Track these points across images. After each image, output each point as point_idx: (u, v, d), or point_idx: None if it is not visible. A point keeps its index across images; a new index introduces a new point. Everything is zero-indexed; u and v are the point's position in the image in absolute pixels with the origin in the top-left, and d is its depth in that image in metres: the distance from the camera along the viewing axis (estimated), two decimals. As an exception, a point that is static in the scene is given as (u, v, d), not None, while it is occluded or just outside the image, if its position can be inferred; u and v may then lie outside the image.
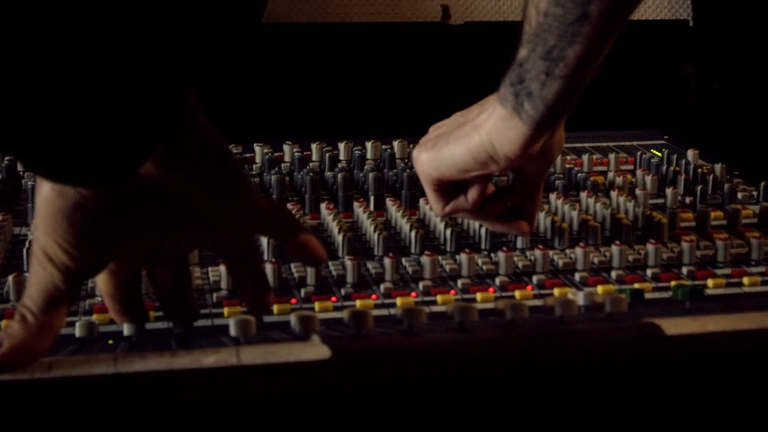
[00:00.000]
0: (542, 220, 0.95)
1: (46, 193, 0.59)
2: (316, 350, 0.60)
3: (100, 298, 0.78)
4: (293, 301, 0.80)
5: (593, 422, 0.61)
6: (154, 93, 0.55)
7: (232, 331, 0.64)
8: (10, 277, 0.78)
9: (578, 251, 0.87)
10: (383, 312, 0.78)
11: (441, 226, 0.93)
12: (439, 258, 0.87)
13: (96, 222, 0.59)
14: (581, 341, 0.64)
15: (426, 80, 1.50)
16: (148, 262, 0.68)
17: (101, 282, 0.68)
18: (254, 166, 1.12)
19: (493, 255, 0.89)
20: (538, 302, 0.79)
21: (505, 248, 0.87)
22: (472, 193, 0.85)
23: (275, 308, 0.77)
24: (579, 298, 0.69)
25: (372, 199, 1.01)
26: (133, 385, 0.57)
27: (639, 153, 1.17)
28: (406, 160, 1.12)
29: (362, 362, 0.60)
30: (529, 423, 0.61)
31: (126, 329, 0.70)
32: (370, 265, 0.86)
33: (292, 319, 0.65)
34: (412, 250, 0.91)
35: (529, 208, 0.88)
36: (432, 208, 0.88)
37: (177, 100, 0.58)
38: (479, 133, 0.79)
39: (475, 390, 0.60)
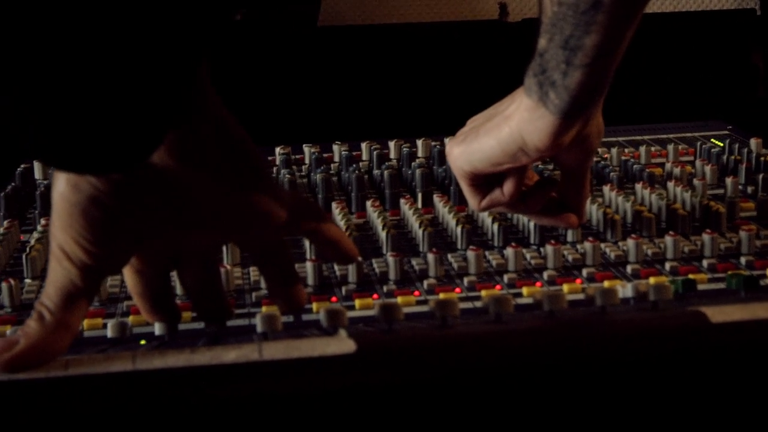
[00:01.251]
0: (594, 212, 0.92)
1: (61, 189, 0.58)
2: (341, 344, 0.57)
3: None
4: (334, 299, 0.78)
5: (635, 413, 0.58)
6: (166, 78, 0.53)
7: (259, 327, 0.62)
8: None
9: (630, 242, 0.84)
10: (424, 309, 0.76)
11: (489, 221, 0.90)
12: (485, 253, 0.84)
13: (112, 216, 0.58)
14: (622, 330, 0.61)
15: (484, 78, 1.48)
16: (175, 260, 0.66)
17: (129, 281, 0.66)
18: (303, 166, 1.10)
19: (542, 249, 0.86)
20: (581, 296, 0.76)
21: (553, 241, 0.84)
22: (508, 186, 0.82)
23: (314, 306, 0.75)
24: (622, 291, 0.66)
25: (419, 195, 0.99)
26: (152, 382, 0.55)
27: (699, 143, 1.13)
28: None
29: (389, 355, 0.58)
30: (568, 415, 0.58)
31: (158, 329, 0.69)
32: (414, 261, 0.84)
33: (321, 313, 0.63)
34: (459, 246, 0.88)
35: (577, 201, 0.86)
36: (468, 203, 0.86)
37: (190, 87, 0.56)
38: (509, 125, 0.77)
39: (509, 382, 0.57)
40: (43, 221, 0.92)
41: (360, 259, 0.74)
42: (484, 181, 0.83)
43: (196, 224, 0.62)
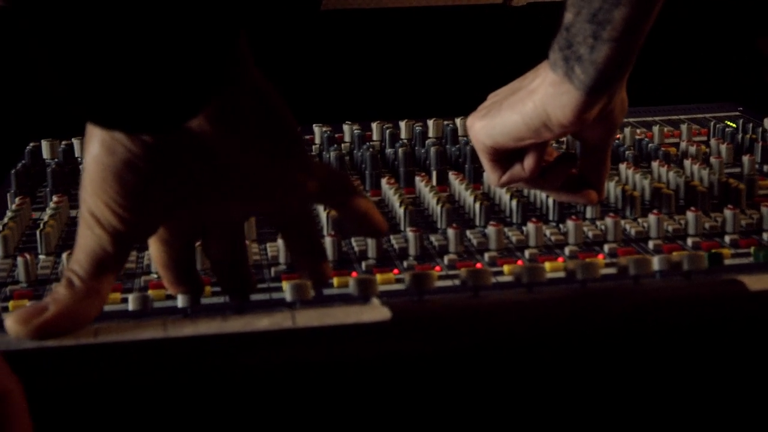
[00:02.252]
0: (612, 189, 0.91)
1: (95, 151, 0.57)
2: (376, 312, 0.56)
3: (156, 275, 0.75)
4: (354, 274, 0.77)
5: (670, 381, 0.57)
6: (215, 34, 0.52)
7: (288, 296, 0.61)
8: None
9: (651, 218, 0.83)
10: (447, 283, 0.75)
11: (507, 197, 0.89)
12: (505, 229, 0.83)
13: (145, 181, 0.57)
14: (657, 299, 0.60)
15: (490, 62, 1.47)
16: (202, 231, 0.65)
17: (154, 251, 0.65)
18: (313, 147, 1.09)
19: (561, 226, 0.85)
20: (612, 270, 0.75)
21: (574, 217, 0.83)
22: (529, 162, 0.81)
23: (335, 281, 0.74)
24: (655, 261, 0.65)
25: (434, 174, 0.98)
26: (184, 349, 0.54)
27: (713, 122, 1.12)
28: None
29: (425, 323, 0.57)
30: (602, 384, 0.57)
31: (180, 301, 0.68)
32: (433, 238, 0.83)
33: (351, 282, 0.61)
34: (477, 223, 0.87)
35: (597, 177, 0.85)
36: (488, 178, 0.85)
37: (234, 51, 0.55)
38: (533, 100, 0.76)
39: (543, 351, 0.57)
40: (55, 198, 0.91)
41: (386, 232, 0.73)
42: (505, 156, 0.82)
43: (228, 193, 0.61)
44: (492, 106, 0.80)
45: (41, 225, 0.83)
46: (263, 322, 0.56)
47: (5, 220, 0.86)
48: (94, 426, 0.52)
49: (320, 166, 0.65)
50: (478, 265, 0.78)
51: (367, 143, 1.06)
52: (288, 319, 0.56)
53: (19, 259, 0.76)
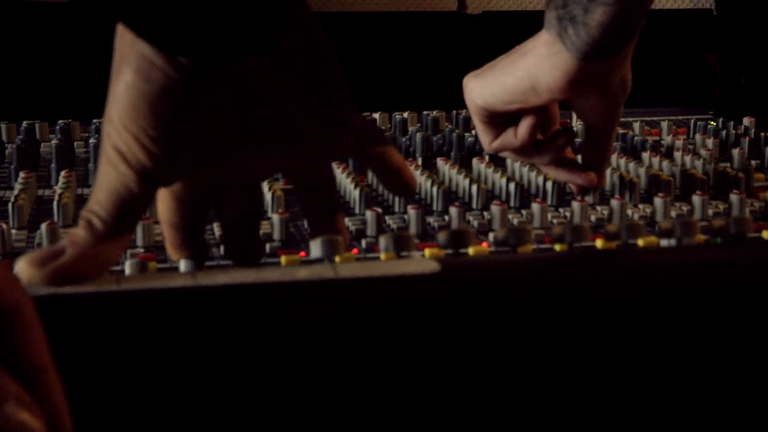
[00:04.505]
0: (609, 176, 0.88)
1: (128, 79, 0.51)
2: (423, 264, 0.52)
3: (142, 250, 0.70)
4: (355, 251, 0.72)
5: (717, 344, 0.53)
6: None
7: (318, 253, 0.56)
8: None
9: (658, 201, 0.80)
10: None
11: (503, 182, 0.85)
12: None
13: (180, 112, 0.51)
14: (702, 264, 0.56)
15: (443, 70, 1.44)
16: (220, 188, 0.60)
17: (164, 210, 0.59)
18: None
19: (560, 210, 0.82)
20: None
21: (579, 198, 0.80)
22: (521, 129, 0.78)
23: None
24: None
25: (420, 160, 0.94)
26: (216, 298, 0.49)
27: (694, 119, 1.11)
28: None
29: (474, 277, 0.52)
30: (642, 340, 0.53)
31: (183, 266, 0.62)
32: (431, 219, 0.79)
33: (382, 240, 0.57)
34: (474, 206, 0.83)
35: (599, 161, 0.81)
36: (480, 141, 0.81)
37: None
38: (525, 61, 0.73)
39: (589, 305, 0.52)
40: (63, 173, 0.85)
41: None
42: (499, 121, 0.78)
43: (263, 137, 0.55)
44: (489, 66, 0.77)
45: (57, 197, 0.77)
46: (302, 273, 0.51)
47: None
48: (115, 379, 0.47)
49: (358, 117, 0.60)
50: (485, 244, 0.74)
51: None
52: (329, 270, 0.51)
53: (43, 227, 0.70)
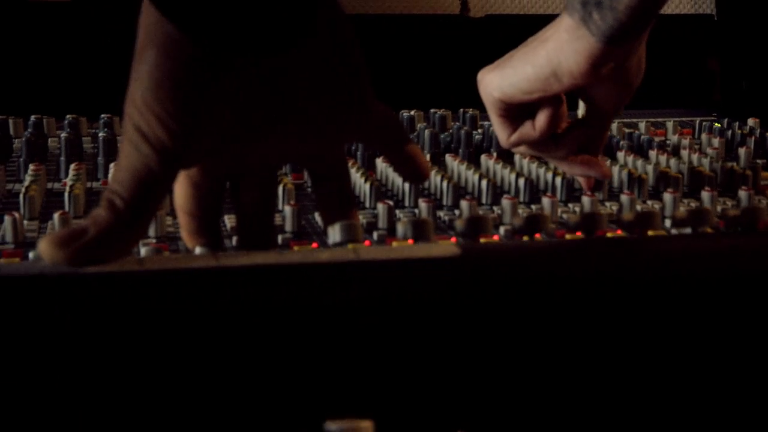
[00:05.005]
0: (616, 173, 0.88)
1: (151, 59, 0.51)
2: (444, 248, 0.52)
3: (155, 241, 0.70)
4: (367, 243, 0.72)
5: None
6: None
7: (337, 237, 0.56)
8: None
9: (667, 197, 0.80)
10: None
11: (513, 177, 0.86)
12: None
13: (202, 94, 0.51)
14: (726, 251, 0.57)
15: (446, 72, 1.44)
16: (237, 174, 0.60)
17: (180, 196, 0.59)
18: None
19: (569, 205, 0.82)
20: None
21: (589, 193, 0.80)
22: (540, 120, 0.77)
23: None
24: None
25: (428, 156, 0.94)
26: (237, 279, 0.49)
27: (699, 119, 1.11)
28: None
29: (494, 260, 0.52)
30: (657, 324, 0.53)
31: (199, 253, 0.62)
32: (441, 213, 0.79)
33: (399, 227, 0.57)
34: (484, 201, 0.83)
35: (595, 149, 0.81)
36: (498, 137, 0.81)
37: None
38: (545, 47, 0.72)
39: (606, 289, 0.52)
40: (73, 166, 0.85)
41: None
42: (516, 113, 0.78)
43: (283, 120, 0.55)
44: (505, 58, 0.77)
45: (68, 188, 0.78)
46: (324, 255, 0.51)
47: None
48: (137, 357, 0.47)
49: (378, 104, 0.60)
50: (496, 237, 0.74)
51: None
52: (351, 253, 0.51)
53: (56, 216, 0.70)
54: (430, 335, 0.49)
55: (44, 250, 0.49)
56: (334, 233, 0.56)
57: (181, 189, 0.59)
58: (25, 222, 0.74)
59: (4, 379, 0.45)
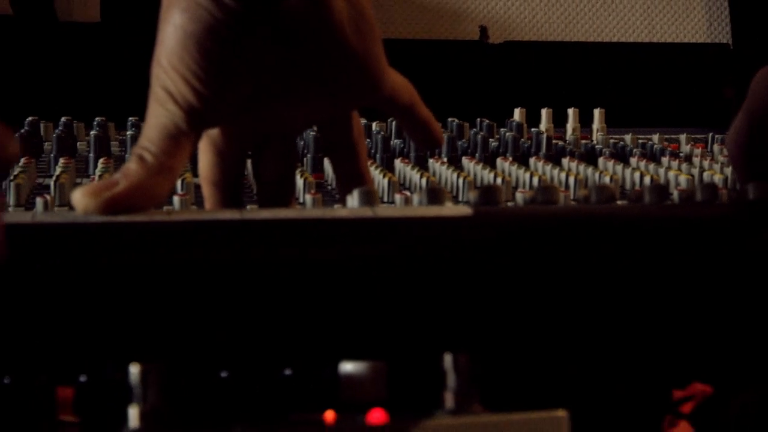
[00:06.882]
0: (628, 176, 0.90)
1: (176, 20, 0.54)
2: (457, 209, 0.54)
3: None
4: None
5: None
6: None
7: (356, 203, 0.58)
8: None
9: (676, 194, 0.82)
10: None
11: (526, 176, 0.88)
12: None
13: (227, 51, 0.54)
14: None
15: (465, 99, 1.47)
16: (259, 140, 0.62)
17: (204, 166, 0.62)
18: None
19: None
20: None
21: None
22: None
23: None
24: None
25: (445, 158, 0.97)
26: (260, 232, 0.51)
27: (711, 134, 1.13)
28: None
29: (505, 219, 0.55)
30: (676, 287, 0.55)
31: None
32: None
33: (415, 196, 0.59)
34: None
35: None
36: None
37: None
38: None
39: (621, 253, 0.54)
40: (102, 160, 0.89)
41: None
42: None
43: (303, 79, 0.58)
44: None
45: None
46: (342, 212, 0.53)
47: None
48: (164, 304, 0.49)
49: (393, 71, 0.63)
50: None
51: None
52: (368, 211, 0.54)
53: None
54: (439, 284, 0.52)
55: (78, 199, 0.51)
56: (353, 200, 0.58)
57: (205, 158, 0.62)
58: (56, 208, 0.77)
59: (34, 322, 0.48)
